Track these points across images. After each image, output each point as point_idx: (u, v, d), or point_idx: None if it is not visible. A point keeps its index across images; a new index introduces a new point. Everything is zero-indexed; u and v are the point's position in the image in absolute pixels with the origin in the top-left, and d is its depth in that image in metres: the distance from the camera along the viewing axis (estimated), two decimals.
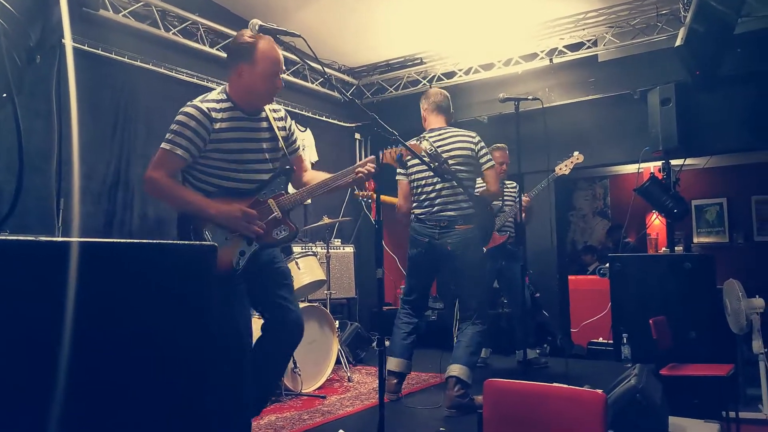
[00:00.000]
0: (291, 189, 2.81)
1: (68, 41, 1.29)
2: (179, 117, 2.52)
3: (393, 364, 3.95)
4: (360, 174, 2.68)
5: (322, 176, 2.80)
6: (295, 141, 2.86)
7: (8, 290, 1.15)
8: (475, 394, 3.66)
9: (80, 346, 1.22)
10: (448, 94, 4.17)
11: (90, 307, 1.26)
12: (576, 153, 5.02)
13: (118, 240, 1.38)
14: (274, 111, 2.76)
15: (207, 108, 2.53)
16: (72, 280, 1.16)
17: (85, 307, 1.22)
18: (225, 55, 5.23)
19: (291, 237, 2.68)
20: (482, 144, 3.98)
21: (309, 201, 2.77)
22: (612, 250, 7.61)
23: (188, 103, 2.58)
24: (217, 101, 2.58)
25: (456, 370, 3.72)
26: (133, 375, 1.37)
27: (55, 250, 1.22)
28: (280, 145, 2.75)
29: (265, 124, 2.70)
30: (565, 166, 5.05)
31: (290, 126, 2.83)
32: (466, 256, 3.81)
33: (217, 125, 2.53)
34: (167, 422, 1.47)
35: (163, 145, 2.51)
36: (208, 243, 2.31)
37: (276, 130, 2.72)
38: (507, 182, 5.25)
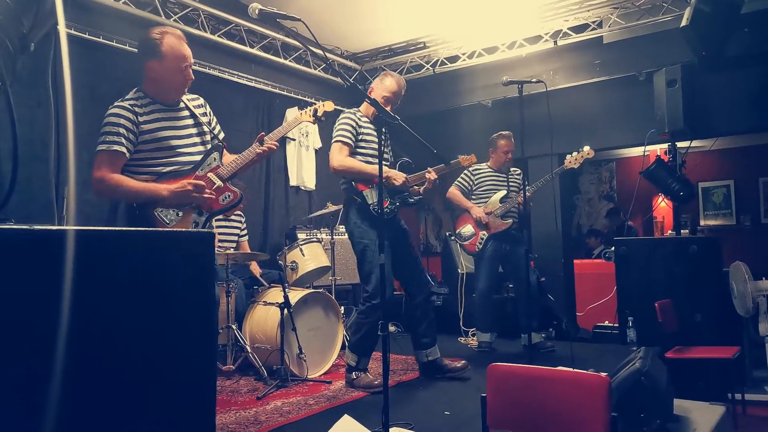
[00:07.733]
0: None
1: (62, 27, 1.28)
2: (108, 118, 2.66)
3: None
4: (271, 148, 2.92)
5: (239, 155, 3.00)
6: (216, 125, 3.04)
7: (4, 279, 1.15)
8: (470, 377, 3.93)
9: (78, 334, 1.22)
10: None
11: (88, 295, 1.25)
12: (587, 148, 4.95)
13: (115, 228, 1.37)
14: (192, 100, 2.93)
15: (129, 105, 2.70)
16: (68, 268, 1.16)
17: (82, 295, 1.22)
18: (226, 41, 5.26)
19: (237, 200, 2.88)
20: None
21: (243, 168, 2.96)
22: (616, 233, 7.57)
23: (110, 106, 2.71)
24: (136, 98, 2.75)
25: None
26: (132, 363, 1.37)
27: (50, 239, 1.21)
28: (206, 129, 2.92)
29: (186, 113, 2.87)
30: (575, 160, 4.98)
31: (210, 112, 3.01)
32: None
33: (142, 119, 2.70)
34: (167, 412, 1.47)
35: (99, 147, 2.63)
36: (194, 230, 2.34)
37: (198, 116, 2.90)
38: (512, 169, 5.22)
